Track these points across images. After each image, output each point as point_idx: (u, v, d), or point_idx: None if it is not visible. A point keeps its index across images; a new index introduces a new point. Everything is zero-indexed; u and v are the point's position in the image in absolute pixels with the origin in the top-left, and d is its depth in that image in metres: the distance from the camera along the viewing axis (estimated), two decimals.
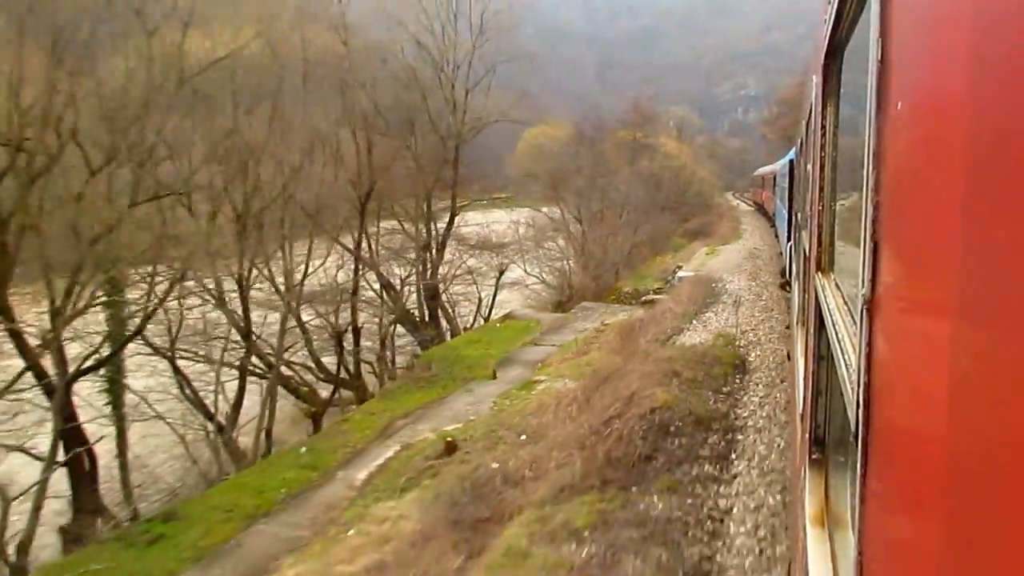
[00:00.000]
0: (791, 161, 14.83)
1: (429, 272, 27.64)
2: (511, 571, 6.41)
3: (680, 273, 27.78)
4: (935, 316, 0.85)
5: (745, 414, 9.74)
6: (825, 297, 2.38)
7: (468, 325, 31.61)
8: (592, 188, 41.61)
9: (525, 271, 39.78)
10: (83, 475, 14.95)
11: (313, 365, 23.79)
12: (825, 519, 2.38)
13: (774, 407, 9.86)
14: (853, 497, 1.39)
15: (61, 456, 14.81)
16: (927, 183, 0.92)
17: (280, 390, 22.16)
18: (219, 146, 17.14)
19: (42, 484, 13.46)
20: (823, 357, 2.65)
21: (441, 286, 28.91)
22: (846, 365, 1.62)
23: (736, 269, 24.89)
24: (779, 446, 8.35)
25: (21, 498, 13.89)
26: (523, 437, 12.91)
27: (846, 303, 2.04)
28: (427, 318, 28.16)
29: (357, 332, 23.46)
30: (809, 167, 3.93)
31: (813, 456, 2.68)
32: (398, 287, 26.78)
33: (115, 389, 16.28)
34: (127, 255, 15.13)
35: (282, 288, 20.05)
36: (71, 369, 14.74)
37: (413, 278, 28.75)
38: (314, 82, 19.73)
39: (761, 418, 9.49)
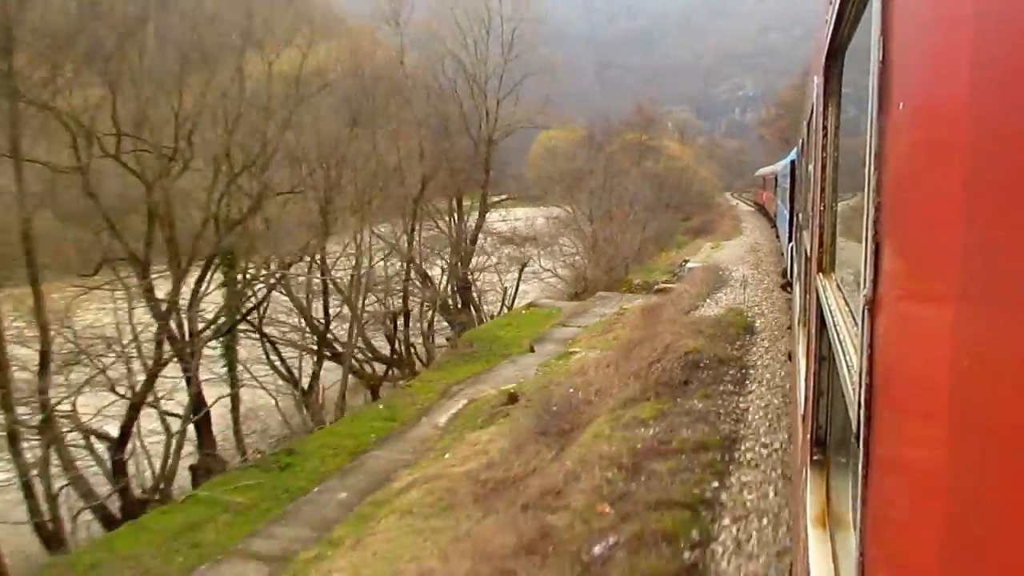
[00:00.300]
0: (792, 162, 15.18)
1: (460, 264, 30.83)
2: (602, 443, 9.62)
3: (690, 264, 31.08)
4: (937, 316, 0.85)
5: (754, 359, 12.97)
6: (826, 298, 2.38)
7: (494, 313, 34.80)
8: (603, 188, 44.81)
9: (540, 266, 42.95)
10: (205, 426, 18.07)
11: (363, 345, 26.96)
12: (827, 520, 2.37)
13: (775, 354, 13.06)
14: (855, 498, 1.40)
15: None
16: (929, 183, 0.92)
17: (332, 365, 25.32)
18: (329, 154, 20.27)
19: (182, 432, 16.69)
20: (824, 358, 2.62)
21: (471, 277, 32.15)
22: (847, 366, 1.61)
23: (740, 260, 28.16)
24: (781, 375, 11.56)
25: (158, 446, 17.10)
26: (571, 390, 16.13)
27: (847, 304, 2.03)
28: (460, 306, 31.35)
29: (407, 316, 26.66)
30: (810, 167, 4.04)
31: (815, 457, 2.67)
32: (436, 278, 29.97)
33: (229, 355, 19.36)
34: (244, 245, 18.27)
35: (349, 279, 23.22)
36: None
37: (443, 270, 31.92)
38: (382, 96, 22.83)
39: (767, 360, 12.71)
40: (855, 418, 1.32)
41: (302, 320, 23.13)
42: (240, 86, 17.34)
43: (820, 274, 2.79)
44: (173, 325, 17.36)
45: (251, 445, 19.00)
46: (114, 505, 15.22)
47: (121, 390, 16.22)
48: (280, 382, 21.64)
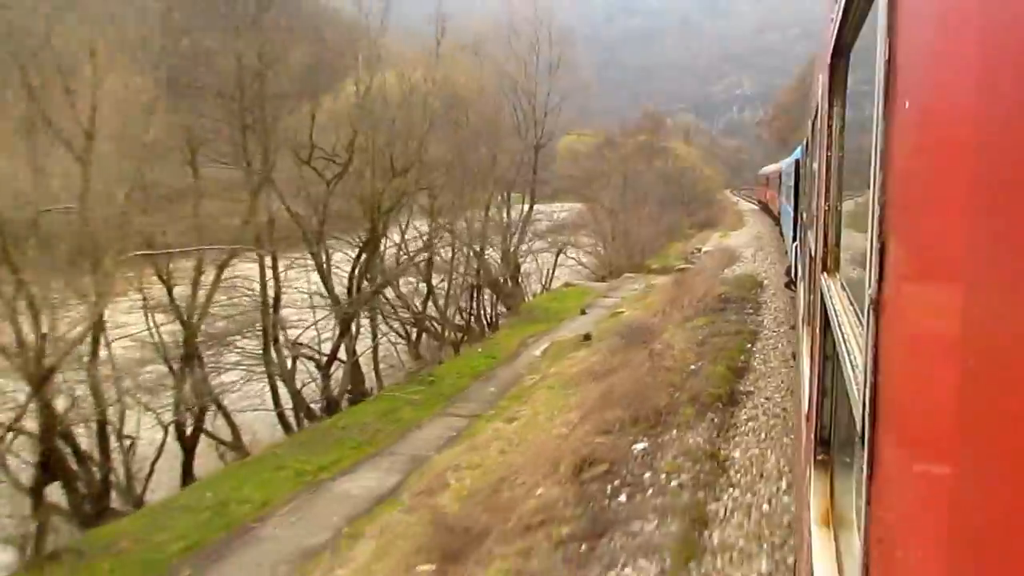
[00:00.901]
0: (796, 160, 15.49)
1: (512, 249, 37.34)
2: (677, 336, 16.11)
3: (705, 247, 37.72)
4: (943, 316, 0.86)
5: (765, 298, 19.51)
6: (831, 297, 2.41)
7: (536, 292, 41.30)
8: (622, 185, 51.44)
9: (567, 255, 49.47)
10: (355, 365, 24.53)
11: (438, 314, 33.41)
12: (831, 520, 2.40)
13: (779, 297, 19.58)
14: (859, 498, 1.41)
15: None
16: (935, 182, 0.94)
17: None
18: (439, 159, 26.65)
19: (352, 365, 23.30)
20: (828, 357, 2.64)
21: (520, 260, 38.71)
22: (852, 366, 1.63)
23: (747, 245, 34.76)
24: (782, 306, 18.06)
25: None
26: (640, 321, 22.60)
27: (852, 303, 2.06)
28: (511, 284, 37.87)
29: (480, 289, 33.17)
30: (815, 166, 4.02)
31: (818, 457, 2.71)
32: (490, 261, 36.51)
33: (373, 313, 25.60)
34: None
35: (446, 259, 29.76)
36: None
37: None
38: (460, 109, 29.17)
39: (773, 300, 19.24)
40: (859, 418, 1.33)
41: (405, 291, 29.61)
42: (382, 106, 23.75)
43: (825, 274, 2.79)
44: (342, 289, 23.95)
45: (387, 378, 25.41)
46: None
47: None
48: (395, 337, 28.13)
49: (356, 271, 24.40)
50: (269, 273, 20.99)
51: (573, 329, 26.37)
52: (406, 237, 28.76)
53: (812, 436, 2.86)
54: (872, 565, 1.21)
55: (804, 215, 7.96)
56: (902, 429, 1.08)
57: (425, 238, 29.33)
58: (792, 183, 16.72)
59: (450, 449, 14.80)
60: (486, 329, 33.46)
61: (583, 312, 30.23)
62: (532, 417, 14.61)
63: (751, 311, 17.62)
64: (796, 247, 11.27)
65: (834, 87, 2.73)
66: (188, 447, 18.59)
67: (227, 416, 19.61)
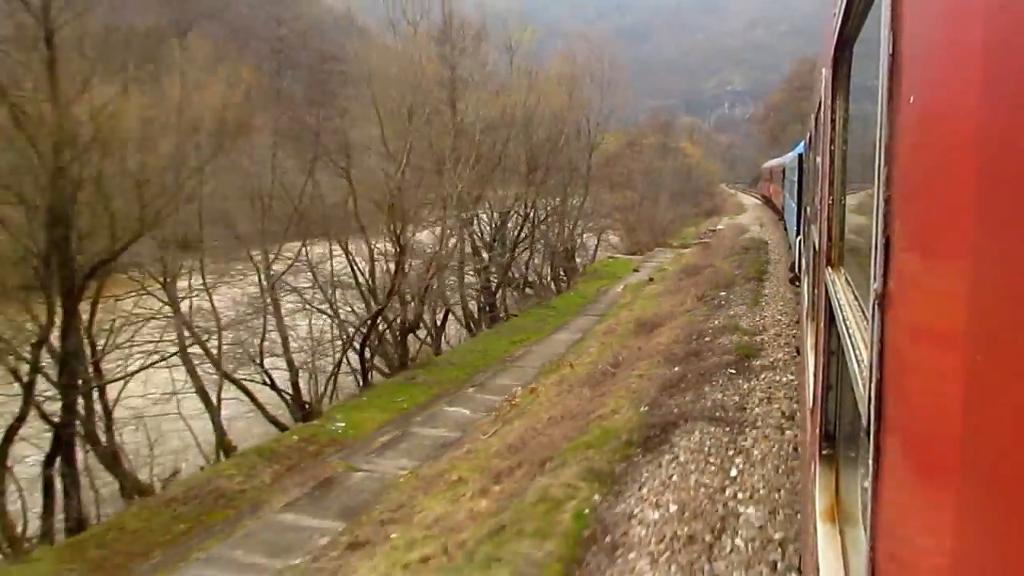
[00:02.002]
0: (800, 155, 15.37)
1: (568, 232, 49.59)
2: (723, 265, 28.47)
3: (719, 226, 50.33)
4: (948, 311, 0.87)
5: (771, 247, 31.93)
6: (835, 292, 2.45)
7: (585, 264, 53.59)
8: (644, 179, 63.95)
9: (606, 236, 61.58)
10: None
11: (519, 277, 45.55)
12: (836, 515, 2.44)
13: (779, 249, 31.92)
14: (864, 493, 1.43)
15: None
16: (939, 177, 0.95)
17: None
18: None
19: (501, 295, 35.45)
20: (833, 352, 2.70)
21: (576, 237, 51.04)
22: (857, 360, 1.66)
23: (751, 224, 47.32)
24: (783, 253, 30.41)
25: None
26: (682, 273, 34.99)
27: (856, 298, 2.08)
28: (568, 257, 50.16)
29: (556, 257, 45.52)
30: (818, 160, 4.10)
31: (824, 452, 2.76)
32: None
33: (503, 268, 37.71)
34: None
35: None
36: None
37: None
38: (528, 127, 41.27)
39: (775, 250, 31.60)
40: (864, 413, 1.35)
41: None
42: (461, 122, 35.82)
43: (829, 268, 2.84)
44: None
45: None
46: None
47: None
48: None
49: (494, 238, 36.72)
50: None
51: (633, 280, 38.75)
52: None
53: (817, 431, 2.88)
54: (878, 561, 1.24)
55: (808, 210, 7.92)
56: (908, 424, 1.09)
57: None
58: (795, 178, 16.89)
59: (600, 324, 27.01)
60: (563, 286, 45.73)
61: (635, 270, 42.67)
62: (643, 307, 26.82)
63: (763, 254, 29.99)
64: (800, 241, 11.35)
65: (837, 81, 2.75)
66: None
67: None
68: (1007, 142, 0.68)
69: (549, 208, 40.93)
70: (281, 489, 14.28)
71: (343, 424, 18.18)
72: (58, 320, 16.19)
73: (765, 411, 9.74)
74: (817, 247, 3.80)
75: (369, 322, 25.08)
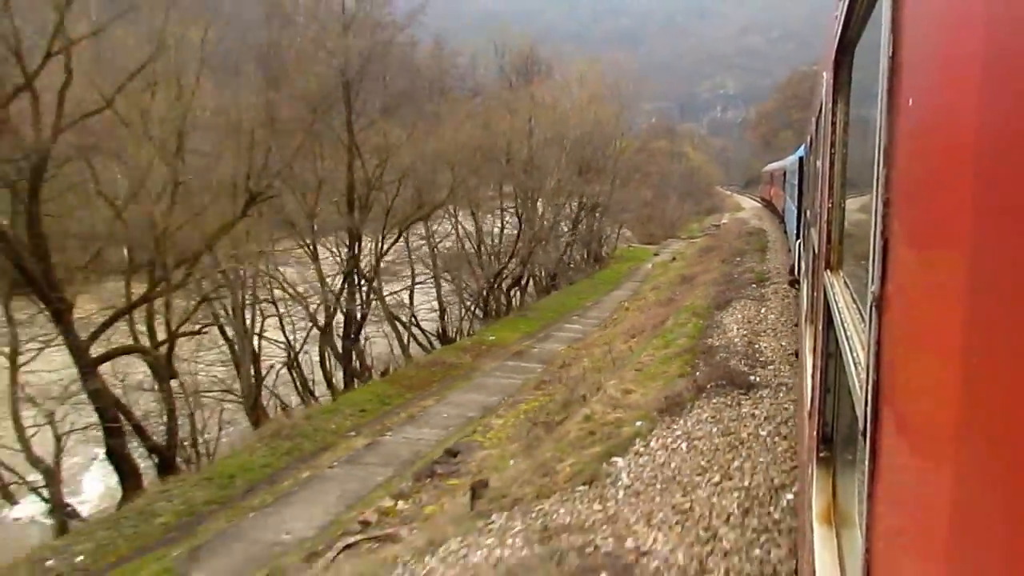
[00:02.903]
0: (800, 158, 15.94)
1: (596, 226, 59.93)
2: (734, 241, 38.85)
3: (723, 220, 60.99)
4: (945, 314, 0.88)
5: (769, 235, 42.37)
6: (834, 294, 2.50)
7: (609, 251, 64.03)
8: (656, 180, 74.47)
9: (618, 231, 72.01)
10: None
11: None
12: (832, 517, 2.48)
13: (776, 234, 42.26)
14: (861, 495, 1.46)
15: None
16: (938, 181, 0.97)
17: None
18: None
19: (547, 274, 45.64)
20: (831, 354, 2.74)
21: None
22: (854, 363, 1.69)
23: (750, 218, 57.86)
24: (779, 237, 40.81)
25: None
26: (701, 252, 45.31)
27: (855, 300, 2.12)
28: (597, 245, 60.53)
29: (591, 243, 55.76)
30: (819, 164, 4.17)
31: (821, 454, 2.82)
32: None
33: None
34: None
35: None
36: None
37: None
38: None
39: (772, 234, 42.00)
40: (862, 415, 1.37)
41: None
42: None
43: (828, 271, 2.87)
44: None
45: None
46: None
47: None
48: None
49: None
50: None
51: (658, 260, 49.11)
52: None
53: (815, 433, 2.92)
54: (874, 563, 1.25)
55: (808, 213, 8.04)
56: (904, 426, 1.10)
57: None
58: (796, 180, 17.13)
59: (645, 285, 37.22)
60: (597, 266, 55.94)
61: (656, 255, 53.12)
62: (678, 270, 37.03)
63: (764, 238, 40.36)
64: (800, 244, 11.50)
65: (838, 85, 2.80)
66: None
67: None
68: (1005, 147, 0.70)
69: (588, 203, 51.32)
70: (481, 364, 24.36)
71: (493, 337, 28.31)
72: None
73: (774, 295, 19.93)
74: (817, 250, 3.88)
75: (494, 277, 35.39)
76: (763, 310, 18.24)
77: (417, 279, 33.67)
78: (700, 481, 7.89)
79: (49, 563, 11.94)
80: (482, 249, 37.25)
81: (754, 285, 22.20)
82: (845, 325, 2.04)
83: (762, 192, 60.59)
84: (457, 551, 7.81)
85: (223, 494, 13.92)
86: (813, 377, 3.40)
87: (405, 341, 30.71)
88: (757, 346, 14.03)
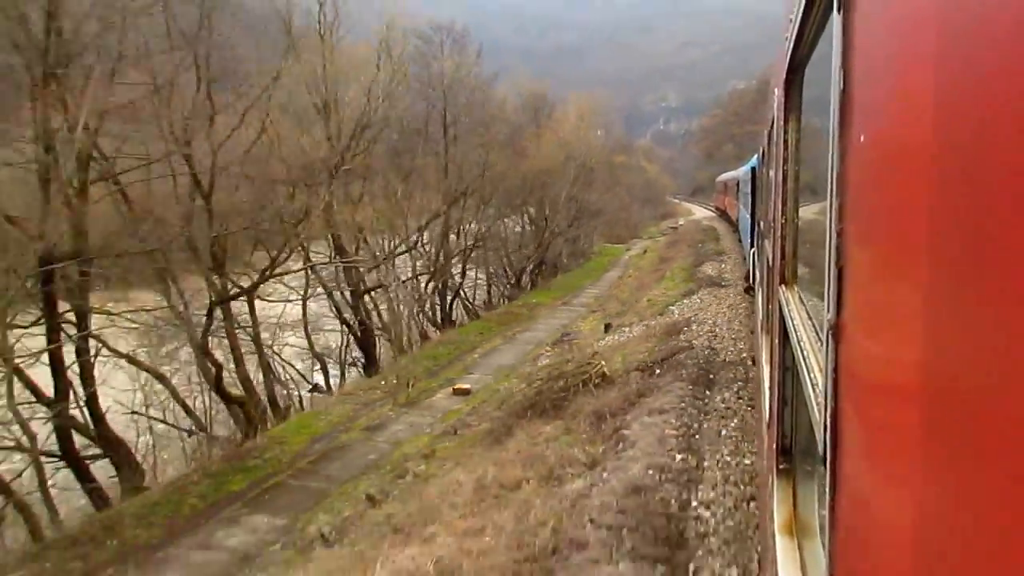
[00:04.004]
0: (753, 168, 16.39)
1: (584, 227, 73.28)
2: (694, 234, 52.51)
3: (680, 222, 75.33)
4: (901, 341, 0.91)
5: (718, 229, 56.28)
6: (789, 310, 2.54)
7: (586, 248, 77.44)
8: (621, 190, 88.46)
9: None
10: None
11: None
12: (794, 528, 2.53)
13: (722, 227, 56.02)
14: (822, 508, 1.53)
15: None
16: (890, 210, 0.99)
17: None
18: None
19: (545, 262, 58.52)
20: (788, 368, 2.76)
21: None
22: (812, 384, 1.71)
23: (703, 221, 72.04)
24: (725, 230, 54.64)
25: None
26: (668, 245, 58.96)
27: (810, 318, 2.15)
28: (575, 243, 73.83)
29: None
30: (771, 175, 4.31)
31: (781, 466, 2.88)
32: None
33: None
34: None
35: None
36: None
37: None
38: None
39: (725, 235, 55.82)
40: (821, 439, 1.41)
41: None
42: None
43: (783, 286, 2.92)
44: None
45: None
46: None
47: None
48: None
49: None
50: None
51: (631, 253, 62.52)
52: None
53: (774, 445, 2.98)
54: (836, 573, 1.28)
55: (761, 223, 8.26)
56: (863, 450, 1.13)
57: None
58: (749, 191, 18.09)
59: (628, 269, 50.45)
60: (581, 260, 68.91)
61: (628, 250, 66.72)
62: (654, 256, 50.30)
63: (715, 232, 54.05)
64: (754, 253, 11.85)
65: (789, 102, 2.88)
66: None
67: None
68: (956, 177, 0.71)
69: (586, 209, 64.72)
70: (539, 313, 36.93)
71: (535, 300, 41.01)
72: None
73: (729, 259, 33.20)
74: (771, 263, 3.98)
75: (525, 260, 48.36)
76: (723, 265, 31.53)
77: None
78: (707, 309, 20.83)
79: None
80: (508, 243, 50.14)
81: (715, 255, 35.59)
82: (802, 343, 2.05)
83: (716, 201, 65.94)
84: (616, 338, 20.59)
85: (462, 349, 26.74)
86: (771, 390, 3.46)
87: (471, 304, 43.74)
88: (724, 276, 27.18)
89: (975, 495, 0.64)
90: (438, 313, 40.84)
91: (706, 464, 8.68)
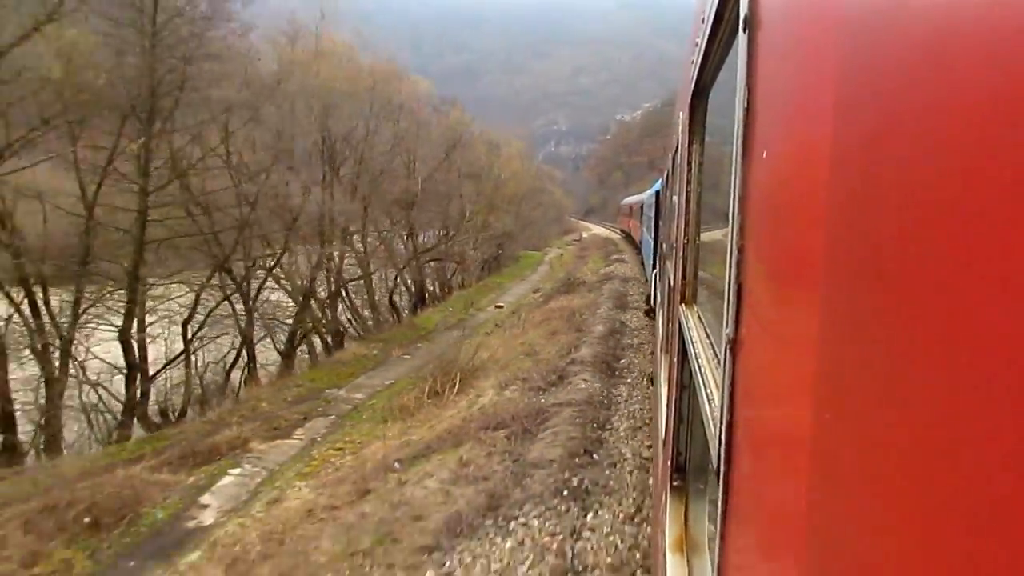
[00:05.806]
0: (657, 192, 16.69)
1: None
2: (600, 243, 73.79)
3: (585, 235, 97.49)
4: (795, 355, 0.94)
5: (617, 243, 77.93)
6: (688, 329, 2.59)
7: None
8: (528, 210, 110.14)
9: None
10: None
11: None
12: (684, 546, 2.60)
13: (622, 243, 77.55)
14: (712, 525, 1.51)
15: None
16: (790, 229, 1.02)
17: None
18: None
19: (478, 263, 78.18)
20: (685, 386, 2.84)
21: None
22: (708, 399, 1.76)
23: (601, 234, 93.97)
24: (622, 242, 76.28)
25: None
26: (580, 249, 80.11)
27: (708, 336, 2.21)
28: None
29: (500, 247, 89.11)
30: (675, 199, 4.40)
31: (674, 483, 2.93)
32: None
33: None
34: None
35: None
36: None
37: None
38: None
39: (620, 243, 77.41)
40: (715, 454, 1.45)
41: None
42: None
43: (683, 305, 3.02)
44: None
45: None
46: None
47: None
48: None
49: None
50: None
51: (550, 256, 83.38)
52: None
53: (668, 463, 3.03)
54: None
55: (664, 245, 8.43)
56: (756, 464, 1.16)
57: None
58: (652, 214, 18.41)
59: (555, 266, 70.95)
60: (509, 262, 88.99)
61: (545, 255, 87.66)
62: (572, 257, 70.99)
63: (614, 242, 75.44)
64: (656, 275, 12.08)
65: (693, 126, 2.98)
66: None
67: None
68: (855, 198, 0.73)
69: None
70: (508, 287, 56.65)
71: (498, 280, 60.68)
72: None
73: (627, 255, 54.16)
74: (672, 284, 4.03)
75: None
76: (625, 256, 52.33)
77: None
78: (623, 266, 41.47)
79: None
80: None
81: (616, 255, 56.60)
82: (699, 360, 2.09)
83: (621, 223, 71.16)
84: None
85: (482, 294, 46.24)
86: (668, 407, 3.54)
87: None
88: (623, 262, 47.99)
89: (863, 508, 0.66)
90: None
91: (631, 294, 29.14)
